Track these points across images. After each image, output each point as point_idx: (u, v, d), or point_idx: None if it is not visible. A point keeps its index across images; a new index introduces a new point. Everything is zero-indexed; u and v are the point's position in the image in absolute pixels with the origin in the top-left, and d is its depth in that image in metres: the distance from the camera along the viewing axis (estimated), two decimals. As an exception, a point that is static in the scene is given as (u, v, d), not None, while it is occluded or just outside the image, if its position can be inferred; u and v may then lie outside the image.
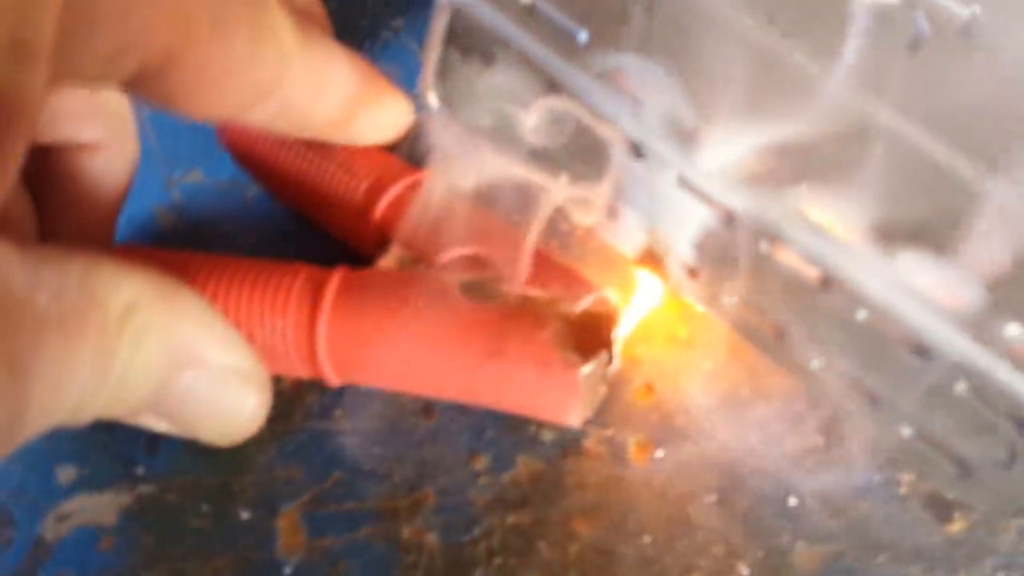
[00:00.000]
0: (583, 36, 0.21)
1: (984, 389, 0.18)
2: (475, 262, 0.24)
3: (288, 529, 0.26)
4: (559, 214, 0.23)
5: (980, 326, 0.18)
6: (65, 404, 0.19)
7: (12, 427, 0.17)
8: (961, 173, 0.18)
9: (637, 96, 0.20)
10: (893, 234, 0.19)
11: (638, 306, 0.25)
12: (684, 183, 0.20)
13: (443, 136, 0.24)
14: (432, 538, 0.25)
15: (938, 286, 0.18)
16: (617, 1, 0.21)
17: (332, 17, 0.29)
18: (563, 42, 0.21)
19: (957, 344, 0.18)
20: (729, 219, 0.20)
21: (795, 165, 0.19)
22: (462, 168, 0.24)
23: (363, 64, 0.25)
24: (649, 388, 0.25)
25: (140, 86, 0.20)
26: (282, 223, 0.29)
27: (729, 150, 0.20)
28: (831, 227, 0.19)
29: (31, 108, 0.17)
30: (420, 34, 0.27)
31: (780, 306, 0.20)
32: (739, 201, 0.19)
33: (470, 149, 0.24)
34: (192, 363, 0.21)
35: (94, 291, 0.19)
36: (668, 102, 0.20)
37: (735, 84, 0.20)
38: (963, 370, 0.18)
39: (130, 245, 0.27)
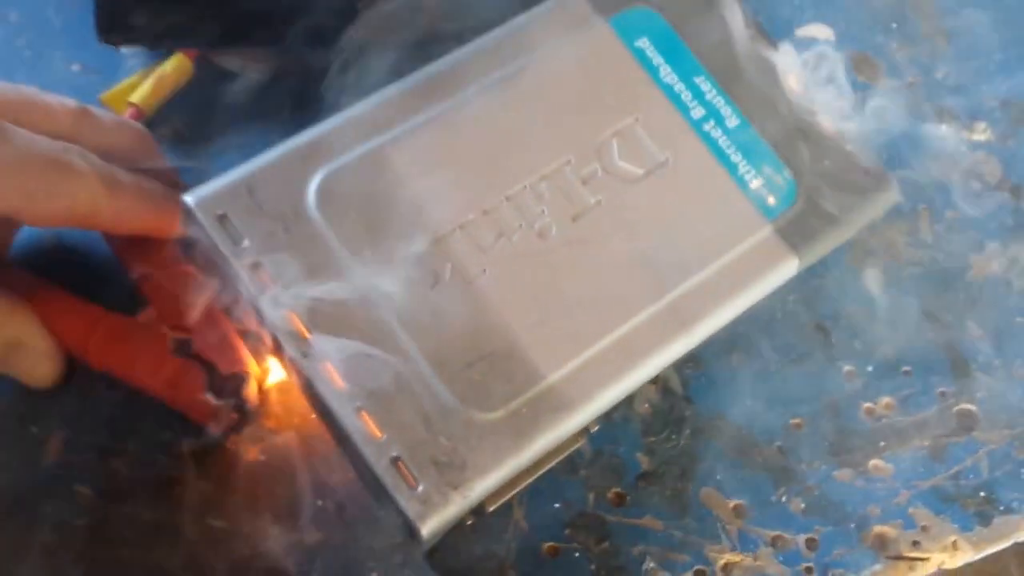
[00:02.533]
0: (246, 243, 0.42)
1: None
2: (184, 330, 0.44)
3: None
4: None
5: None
6: None
7: None
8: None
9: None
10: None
11: (270, 374, 0.45)
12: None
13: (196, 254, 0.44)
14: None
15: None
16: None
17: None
18: (231, 244, 0.41)
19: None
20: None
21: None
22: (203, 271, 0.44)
23: (160, 197, 0.45)
24: (272, 423, 0.46)
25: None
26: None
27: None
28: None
29: None
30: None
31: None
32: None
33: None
34: (20, 345, 0.42)
35: None
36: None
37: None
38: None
39: (19, 271, 0.47)
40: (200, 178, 0.46)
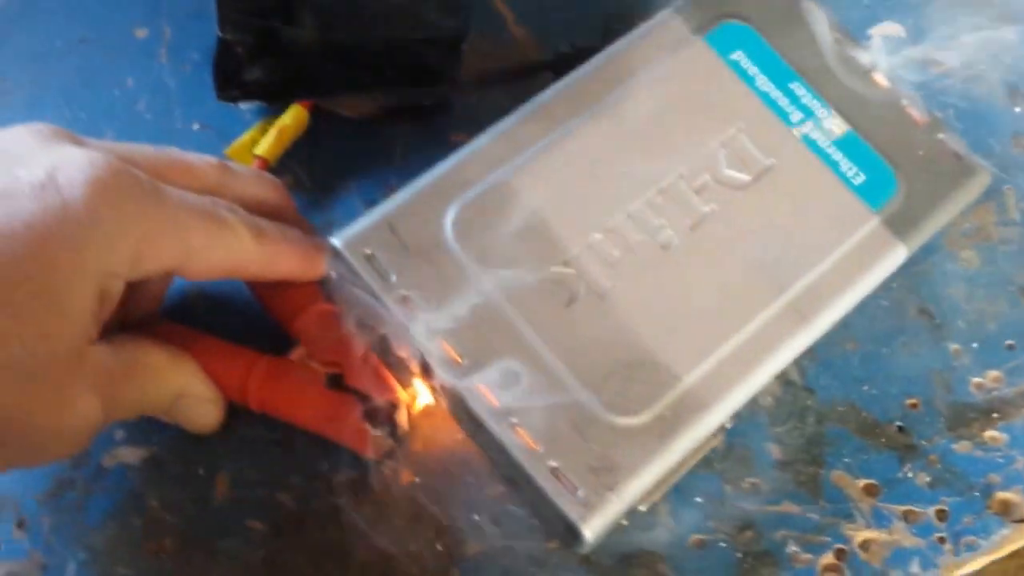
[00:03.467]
0: (393, 278, 0.45)
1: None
2: (335, 365, 0.47)
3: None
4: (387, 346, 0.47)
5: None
6: (128, 413, 0.42)
7: (102, 421, 0.40)
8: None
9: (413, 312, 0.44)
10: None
11: (418, 399, 0.48)
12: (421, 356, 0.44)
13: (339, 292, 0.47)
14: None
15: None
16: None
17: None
18: (380, 281, 0.44)
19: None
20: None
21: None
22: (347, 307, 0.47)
23: (303, 245, 0.48)
24: (421, 446, 0.49)
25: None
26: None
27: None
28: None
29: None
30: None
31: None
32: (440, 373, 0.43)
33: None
34: (185, 395, 0.45)
35: (146, 361, 0.43)
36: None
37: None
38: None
39: (172, 324, 0.50)
40: (324, 221, 0.49)
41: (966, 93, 0.57)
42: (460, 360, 0.42)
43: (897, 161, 0.48)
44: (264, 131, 0.53)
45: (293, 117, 0.52)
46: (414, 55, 0.51)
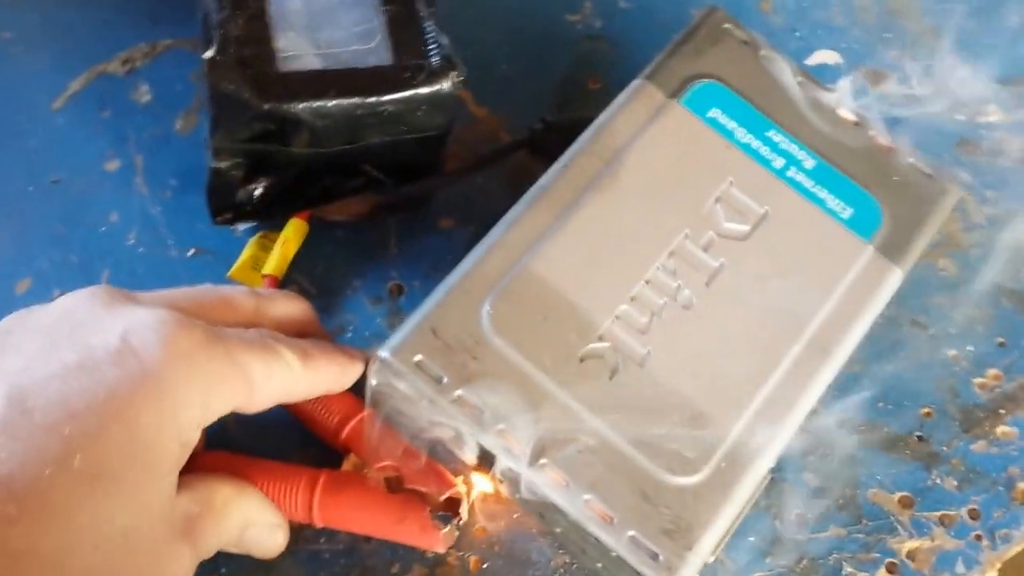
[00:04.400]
0: (444, 380, 0.46)
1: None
2: (391, 468, 0.49)
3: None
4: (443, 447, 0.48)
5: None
6: (208, 553, 0.43)
7: (195, 567, 0.41)
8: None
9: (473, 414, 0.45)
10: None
11: (476, 488, 0.50)
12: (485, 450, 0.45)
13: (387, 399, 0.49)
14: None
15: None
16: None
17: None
18: (433, 384, 0.46)
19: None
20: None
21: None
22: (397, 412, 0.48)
23: (340, 357, 0.49)
24: (482, 530, 0.50)
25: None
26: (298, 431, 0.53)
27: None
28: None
29: None
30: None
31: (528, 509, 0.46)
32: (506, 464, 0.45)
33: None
34: (252, 524, 0.45)
35: (217, 497, 0.43)
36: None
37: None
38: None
39: (218, 453, 0.51)
40: (336, 325, 0.52)
41: (908, 107, 0.60)
42: (520, 447, 0.44)
43: (877, 190, 0.51)
44: (261, 246, 0.54)
45: (294, 230, 0.53)
46: (404, 155, 0.52)
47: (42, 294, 0.54)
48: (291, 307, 0.47)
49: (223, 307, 0.44)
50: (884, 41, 0.63)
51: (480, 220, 0.53)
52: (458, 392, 0.44)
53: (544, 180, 0.50)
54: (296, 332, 0.46)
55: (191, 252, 0.55)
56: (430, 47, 0.50)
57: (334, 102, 0.48)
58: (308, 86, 0.48)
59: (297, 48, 0.49)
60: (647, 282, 0.48)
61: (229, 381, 0.40)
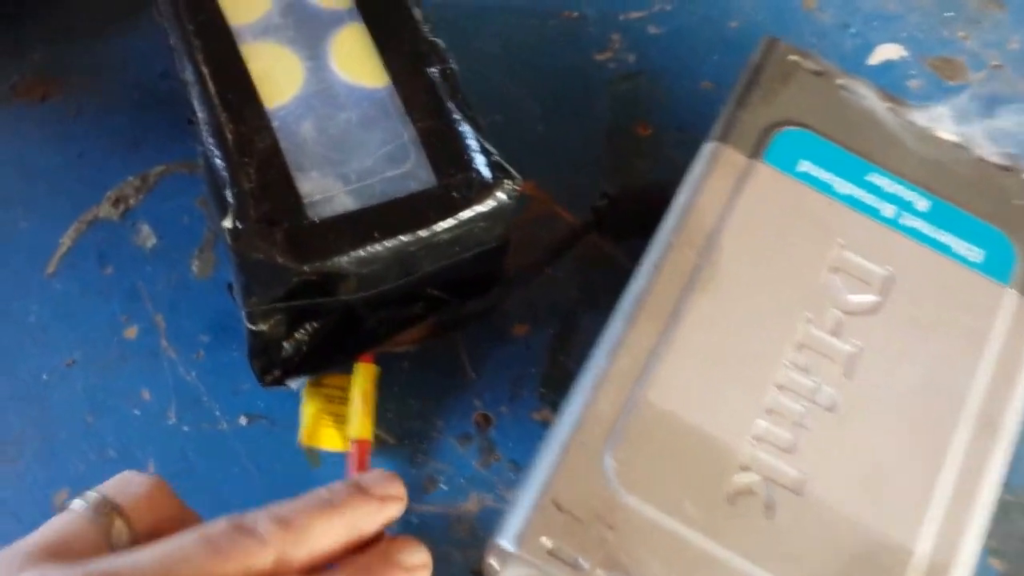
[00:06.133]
0: (582, 562, 0.39)
1: None
2: None
3: None
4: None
5: None
6: None
7: None
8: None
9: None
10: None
11: None
12: None
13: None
14: None
15: None
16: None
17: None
18: (571, 571, 0.39)
19: None
20: None
21: None
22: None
23: None
24: None
25: None
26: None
27: None
28: None
29: None
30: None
31: None
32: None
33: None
34: None
35: None
36: None
37: None
38: None
39: None
40: (425, 477, 0.47)
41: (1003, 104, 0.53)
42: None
43: (1002, 220, 0.45)
44: (323, 397, 0.47)
45: (366, 376, 0.47)
46: (463, 272, 0.45)
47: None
48: (328, 534, 0.35)
49: (235, 563, 0.33)
50: (945, 22, 0.56)
51: (556, 319, 0.49)
52: (599, 573, 0.38)
53: (636, 288, 0.43)
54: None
55: (243, 420, 0.48)
56: (473, 153, 0.43)
57: (380, 246, 0.41)
58: (347, 233, 0.42)
59: (324, 188, 0.42)
60: (779, 387, 0.41)
61: None
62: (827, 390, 0.42)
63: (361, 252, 0.41)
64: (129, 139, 0.55)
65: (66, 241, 0.53)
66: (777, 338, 0.42)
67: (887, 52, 0.56)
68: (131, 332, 0.51)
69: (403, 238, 0.41)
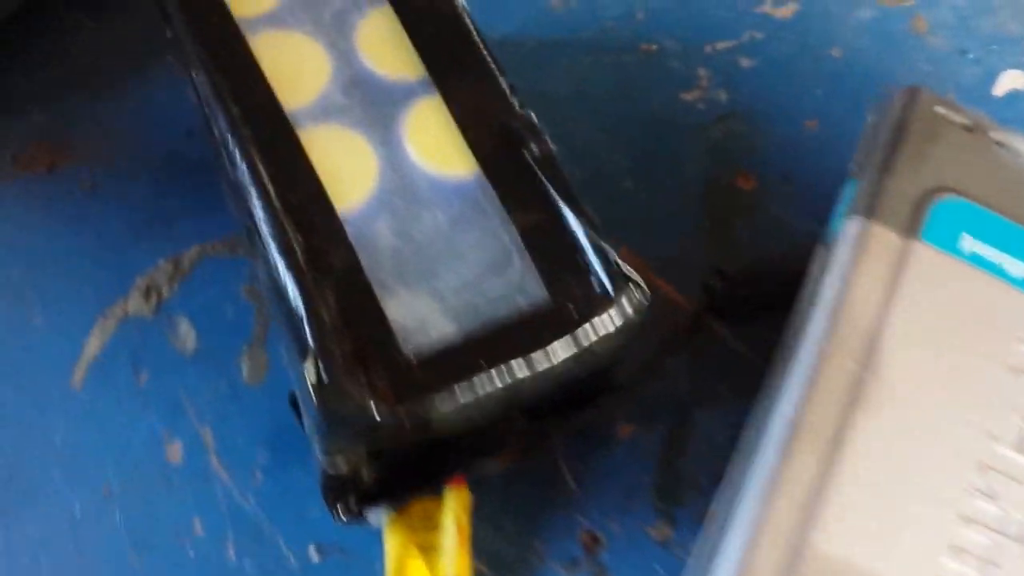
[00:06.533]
0: None
1: None
2: None
3: None
4: None
5: None
6: None
7: None
8: None
9: None
10: None
11: None
12: None
13: None
14: None
15: None
16: None
17: None
18: None
19: None
20: None
21: None
22: None
23: None
24: None
25: None
26: None
27: None
28: None
29: None
30: None
31: None
32: None
33: None
34: None
35: None
36: None
37: None
38: None
39: None
40: None
41: None
42: None
43: None
44: (407, 527, 0.41)
45: (460, 505, 0.40)
46: (571, 391, 0.39)
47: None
48: None
49: None
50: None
51: (667, 415, 0.43)
52: None
53: (787, 408, 0.36)
54: None
55: (314, 554, 0.42)
56: (588, 256, 0.36)
57: (492, 386, 0.34)
58: (450, 370, 0.35)
59: (416, 311, 0.35)
60: (963, 519, 0.34)
61: None
62: (1017, 517, 0.35)
63: (471, 396, 0.34)
64: (155, 214, 0.48)
65: (92, 343, 0.45)
66: (956, 459, 0.36)
67: (1013, 80, 0.48)
68: (175, 451, 0.44)
69: (519, 374, 0.34)
